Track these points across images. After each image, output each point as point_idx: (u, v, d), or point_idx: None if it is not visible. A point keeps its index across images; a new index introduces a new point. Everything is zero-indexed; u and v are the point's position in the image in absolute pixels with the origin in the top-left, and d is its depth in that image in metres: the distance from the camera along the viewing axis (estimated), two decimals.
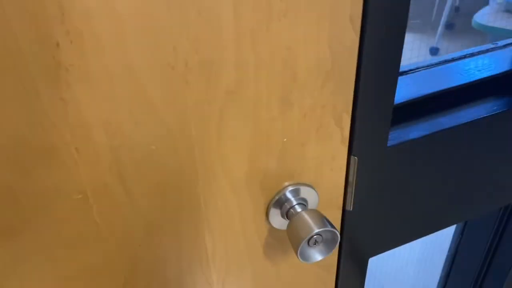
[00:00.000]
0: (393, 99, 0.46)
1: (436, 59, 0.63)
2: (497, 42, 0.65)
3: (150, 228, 0.43)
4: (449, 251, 0.95)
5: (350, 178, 0.50)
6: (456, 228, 0.91)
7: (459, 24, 3.10)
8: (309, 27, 0.38)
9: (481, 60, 0.63)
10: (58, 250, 0.40)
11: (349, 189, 0.51)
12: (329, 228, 0.44)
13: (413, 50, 2.94)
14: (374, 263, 1.36)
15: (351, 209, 0.53)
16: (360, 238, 0.57)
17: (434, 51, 2.88)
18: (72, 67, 0.32)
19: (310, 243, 0.45)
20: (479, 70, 0.60)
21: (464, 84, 0.59)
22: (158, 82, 0.35)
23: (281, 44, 0.37)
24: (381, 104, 0.46)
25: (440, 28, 2.90)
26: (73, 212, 0.38)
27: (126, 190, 0.39)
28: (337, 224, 0.54)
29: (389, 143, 0.50)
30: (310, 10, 0.37)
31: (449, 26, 3.10)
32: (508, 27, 2.16)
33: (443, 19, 2.91)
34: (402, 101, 0.56)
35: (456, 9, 3.14)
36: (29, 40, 0.30)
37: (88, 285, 0.43)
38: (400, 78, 0.61)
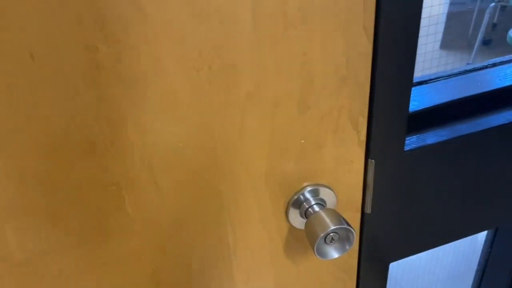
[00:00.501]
0: (408, 104, 0.48)
1: (457, 69, 0.65)
2: None
3: (176, 221, 0.46)
4: (478, 264, 0.93)
5: (368, 181, 0.52)
6: (486, 239, 0.90)
7: (496, 40, 3.04)
8: (325, 34, 0.41)
9: (503, 70, 0.63)
10: (92, 238, 0.44)
11: (367, 192, 0.53)
12: (345, 226, 0.46)
13: (449, 67, 2.91)
14: (400, 278, 1.35)
15: (369, 212, 0.54)
16: (379, 241, 0.58)
17: None
18: (109, 69, 0.36)
19: (326, 240, 0.47)
20: (500, 80, 0.61)
21: (486, 92, 0.60)
22: (185, 84, 0.39)
23: (298, 50, 0.41)
24: (397, 109, 0.48)
25: (477, 45, 2.86)
26: (107, 202, 0.42)
27: (155, 183, 0.43)
28: (356, 226, 0.56)
29: (406, 147, 0.52)
30: (325, 18, 0.40)
31: (486, 42, 3.05)
32: None
33: (480, 36, 2.87)
34: (423, 108, 0.57)
35: (493, 25, 3.09)
36: (72, 44, 0.34)
37: (119, 273, 0.47)
38: (422, 86, 0.63)
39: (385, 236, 0.58)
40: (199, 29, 0.37)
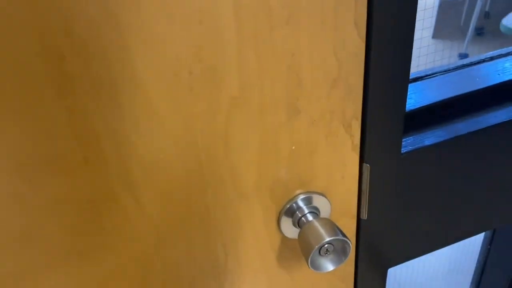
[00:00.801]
0: (405, 105, 0.45)
1: (454, 64, 0.62)
2: None
3: (161, 238, 0.43)
4: (478, 261, 0.91)
5: (363, 186, 0.49)
6: (485, 236, 0.87)
7: (488, 29, 3.02)
8: (313, 33, 0.38)
9: (501, 64, 0.61)
10: (69, 259, 0.41)
11: (362, 198, 0.50)
12: (341, 237, 0.43)
13: (442, 56, 2.89)
14: (399, 273, 1.33)
15: (365, 218, 0.52)
16: (377, 247, 0.56)
17: (463, 57, 2.81)
18: (78, 78, 0.33)
19: (321, 252, 0.44)
20: (499, 74, 0.58)
21: (484, 88, 0.57)
22: (163, 91, 0.36)
23: (284, 51, 0.38)
24: (393, 110, 0.45)
25: (469, 34, 2.84)
26: (83, 221, 0.39)
27: (135, 198, 0.40)
28: (352, 233, 0.53)
29: (403, 149, 0.49)
30: (313, 16, 0.37)
31: (478, 31, 3.03)
32: None
33: (472, 25, 2.85)
34: (419, 106, 0.55)
35: (485, 14, 3.07)
36: (35, 53, 0.31)
37: None
38: (417, 83, 0.60)
39: (382, 241, 0.56)
40: (176, 31, 0.34)
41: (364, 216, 0.51)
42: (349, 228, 0.53)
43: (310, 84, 0.40)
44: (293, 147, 0.43)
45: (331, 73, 0.40)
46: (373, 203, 0.51)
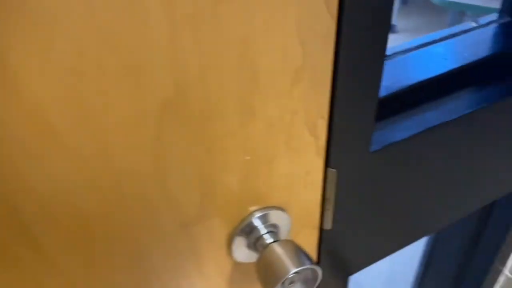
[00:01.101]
0: (377, 97, 0.38)
1: (409, 43, 0.55)
2: (475, 20, 0.58)
3: None
4: (425, 247, 0.89)
5: (328, 194, 0.41)
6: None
7: None
8: (271, 11, 0.28)
9: (458, 43, 0.55)
10: None
11: (327, 206, 0.42)
12: (308, 265, 0.35)
13: None
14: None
15: (329, 228, 0.44)
16: (340, 257, 0.49)
17: (391, 28, 2.84)
18: None
19: (285, 283, 0.36)
20: (456, 55, 0.52)
21: (447, 71, 0.51)
22: (59, 98, 0.25)
23: (234, 35, 0.27)
24: (364, 104, 0.37)
25: (397, 4, 2.86)
26: None
27: (34, 245, 0.29)
28: (314, 245, 0.46)
29: (372, 148, 0.41)
30: None
31: (403, 1, 3.07)
32: (470, 2, 2.14)
33: None
34: (384, 95, 0.47)
35: None
36: None
37: None
38: None
39: (346, 250, 0.49)
40: (76, 12, 0.22)
41: (328, 226, 0.44)
42: (311, 240, 0.45)
43: (267, 78, 0.31)
44: (248, 158, 0.34)
45: (294, 61, 0.31)
46: (339, 211, 0.43)
